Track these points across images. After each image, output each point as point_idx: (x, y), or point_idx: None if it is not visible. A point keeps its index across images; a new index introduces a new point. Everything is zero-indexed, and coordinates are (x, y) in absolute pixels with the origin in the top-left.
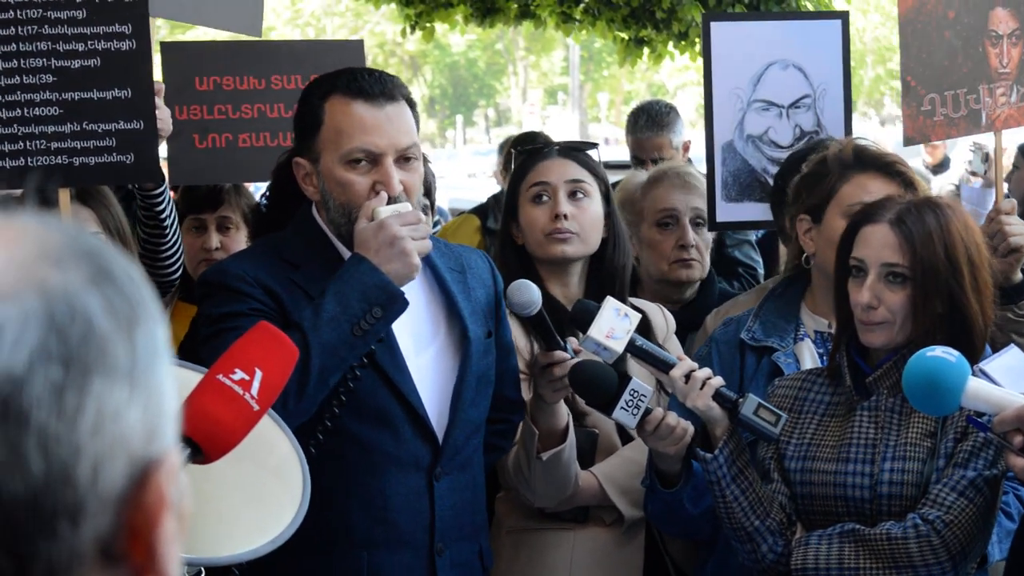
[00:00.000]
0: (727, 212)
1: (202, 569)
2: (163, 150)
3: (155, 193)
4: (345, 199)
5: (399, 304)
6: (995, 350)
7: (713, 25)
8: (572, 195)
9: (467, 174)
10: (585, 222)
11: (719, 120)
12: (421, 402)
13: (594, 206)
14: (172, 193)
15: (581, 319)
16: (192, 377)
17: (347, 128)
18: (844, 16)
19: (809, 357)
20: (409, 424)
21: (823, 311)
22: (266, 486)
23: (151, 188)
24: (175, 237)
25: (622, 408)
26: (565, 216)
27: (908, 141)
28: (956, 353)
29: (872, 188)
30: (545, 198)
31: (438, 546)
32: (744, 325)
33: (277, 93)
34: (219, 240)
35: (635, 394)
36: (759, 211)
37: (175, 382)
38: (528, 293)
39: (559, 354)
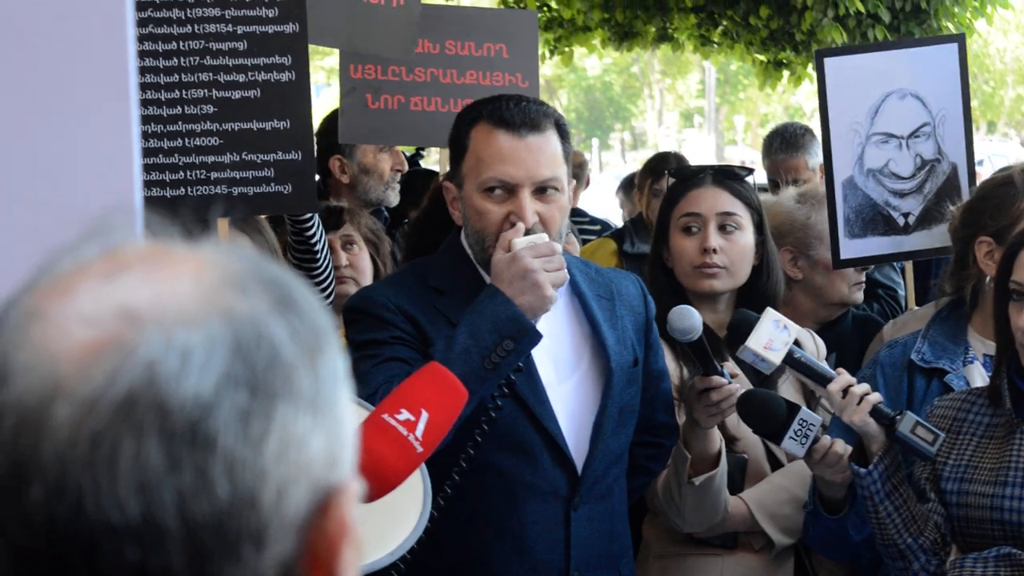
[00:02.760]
0: (851, 249)
1: None
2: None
3: (305, 218)
4: (480, 226)
5: (531, 337)
6: None
7: (827, 61)
8: (722, 228)
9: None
10: (735, 255)
11: (838, 156)
12: (561, 432)
13: (745, 238)
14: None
15: (740, 329)
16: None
17: (486, 157)
18: (960, 38)
19: (979, 379)
20: (548, 453)
21: (987, 334)
22: (389, 497)
23: (300, 214)
24: (326, 261)
25: (791, 438)
26: (715, 250)
27: None
28: None
29: None
30: (695, 229)
31: (574, 575)
32: (912, 347)
33: (450, 58)
34: (346, 258)
35: (804, 423)
36: (883, 245)
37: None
38: (690, 319)
39: (717, 379)
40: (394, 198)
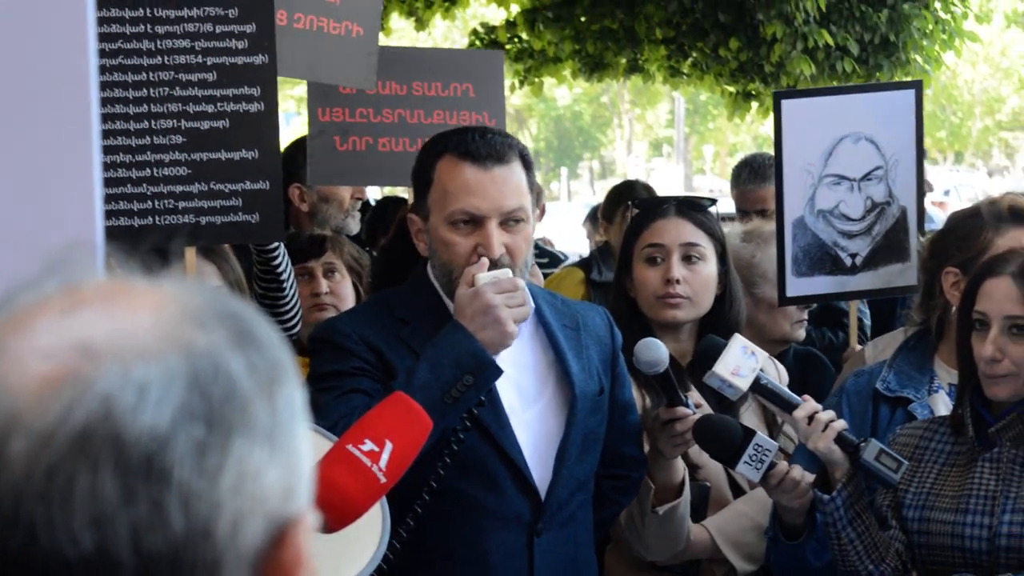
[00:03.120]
0: (797, 287)
1: None
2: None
3: (271, 248)
4: (447, 258)
5: (491, 372)
6: None
7: (784, 103)
8: (686, 258)
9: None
10: (698, 286)
11: (790, 196)
12: (524, 459)
13: (708, 269)
14: None
15: (708, 355)
16: (315, 439)
17: (452, 189)
18: (917, 85)
19: (944, 408)
20: (511, 481)
21: (953, 363)
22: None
23: (266, 245)
24: (292, 291)
25: (746, 462)
26: (678, 281)
27: None
28: None
29: None
30: (659, 260)
31: None
32: (877, 376)
33: (417, 99)
34: (327, 285)
35: (759, 448)
36: (829, 284)
37: (311, 443)
38: (656, 352)
39: (681, 410)
40: (354, 226)
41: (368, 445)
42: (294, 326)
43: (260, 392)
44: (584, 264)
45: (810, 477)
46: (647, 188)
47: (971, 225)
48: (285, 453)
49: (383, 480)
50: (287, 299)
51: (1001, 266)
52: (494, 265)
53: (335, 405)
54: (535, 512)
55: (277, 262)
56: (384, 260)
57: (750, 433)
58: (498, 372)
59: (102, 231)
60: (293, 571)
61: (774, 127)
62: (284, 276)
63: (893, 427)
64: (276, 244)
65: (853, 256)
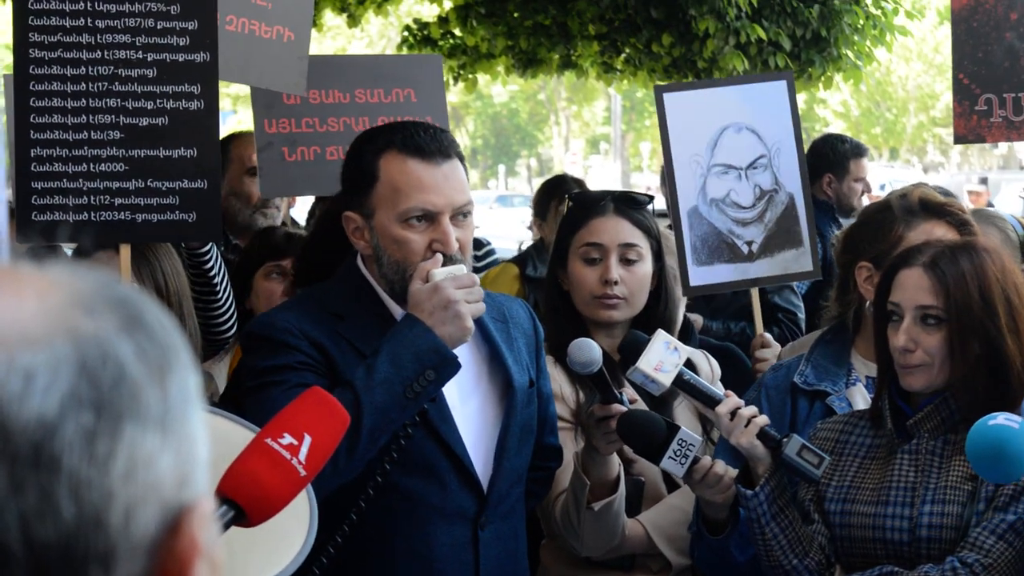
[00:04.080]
0: (699, 276)
1: None
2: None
3: (202, 252)
4: (401, 256)
5: (451, 367)
6: None
7: (666, 96)
8: (624, 259)
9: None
10: (634, 286)
11: (682, 187)
12: (467, 452)
13: (644, 268)
14: (241, 241)
15: (631, 351)
16: (228, 427)
17: (404, 186)
18: (788, 75)
19: (862, 401)
20: (455, 475)
21: (870, 356)
22: (276, 520)
23: (196, 247)
24: (226, 294)
25: (670, 457)
26: (616, 282)
27: (959, 140)
28: (1018, 419)
29: (937, 234)
30: (597, 259)
31: None
32: (795, 370)
33: (361, 106)
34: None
35: (683, 443)
36: (730, 272)
37: (208, 429)
38: (590, 352)
39: (616, 407)
40: (263, 222)
41: (287, 439)
42: (228, 328)
43: (151, 378)
44: (519, 260)
45: (733, 472)
46: (578, 183)
47: (882, 219)
48: (178, 439)
49: (303, 473)
50: (220, 301)
51: (914, 257)
52: (447, 260)
53: (283, 400)
54: (478, 506)
55: (209, 265)
56: (309, 255)
57: (674, 428)
58: (457, 367)
59: (5, 222)
60: (190, 559)
61: (659, 120)
62: (216, 279)
63: (812, 420)
64: (208, 247)
65: (749, 243)
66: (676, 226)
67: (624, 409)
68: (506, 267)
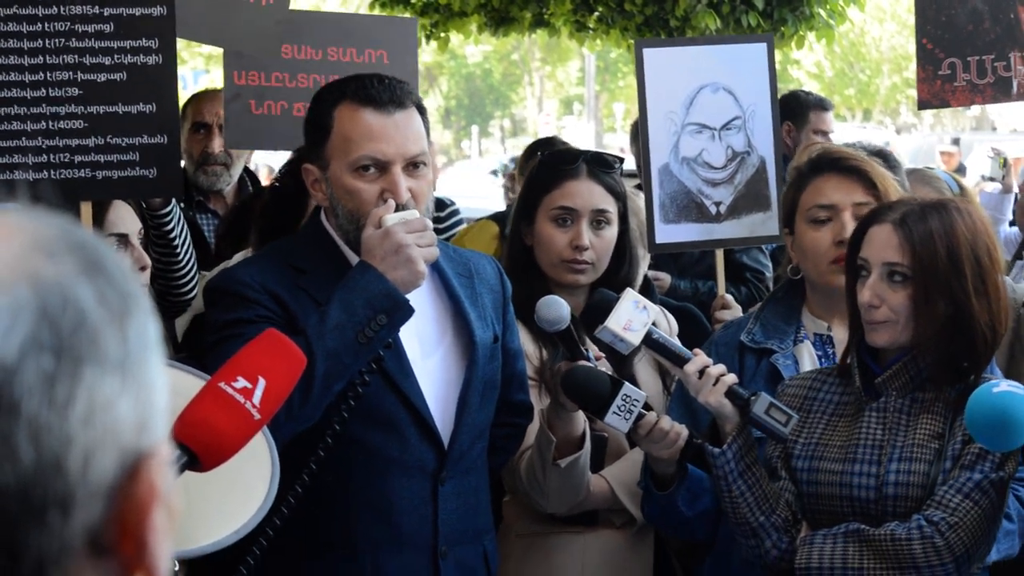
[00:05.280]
0: (665, 234)
1: (175, 562)
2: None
3: (163, 213)
4: (353, 206)
5: (404, 311)
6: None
7: (646, 51)
8: (595, 223)
9: (491, 182)
10: (602, 250)
11: (655, 143)
12: (427, 407)
13: (612, 232)
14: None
15: (599, 309)
16: (187, 380)
17: (355, 136)
18: (768, 39)
19: (808, 359)
20: (415, 429)
21: (821, 314)
22: (236, 473)
23: (159, 208)
24: (187, 257)
25: (614, 413)
26: (586, 248)
27: (923, 105)
28: (1021, 386)
29: (827, 190)
30: (568, 222)
31: (442, 549)
32: (744, 327)
33: (332, 64)
34: None
35: (627, 399)
36: (697, 231)
37: (167, 378)
38: (558, 310)
39: (582, 364)
40: (206, 181)
41: (241, 382)
42: (188, 291)
43: (111, 322)
44: (499, 218)
45: (680, 428)
46: (563, 145)
47: (788, 183)
48: (137, 385)
49: (257, 417)
50: (181, 264)
51: (884, 214)
52: (399, 209)
53: None
54: (438, 461)
55: (170, 227)
56: (270, 211)
57: (618, 384)
58: (410, 311)
59: None
60: (148, 505)
61: (636, 75)
62: (177, 241)
63: (758, 378)
64: (169, 209)
65: (717, 204)
66: (646, 182)
67: (591, 367)
68: (486, 225)
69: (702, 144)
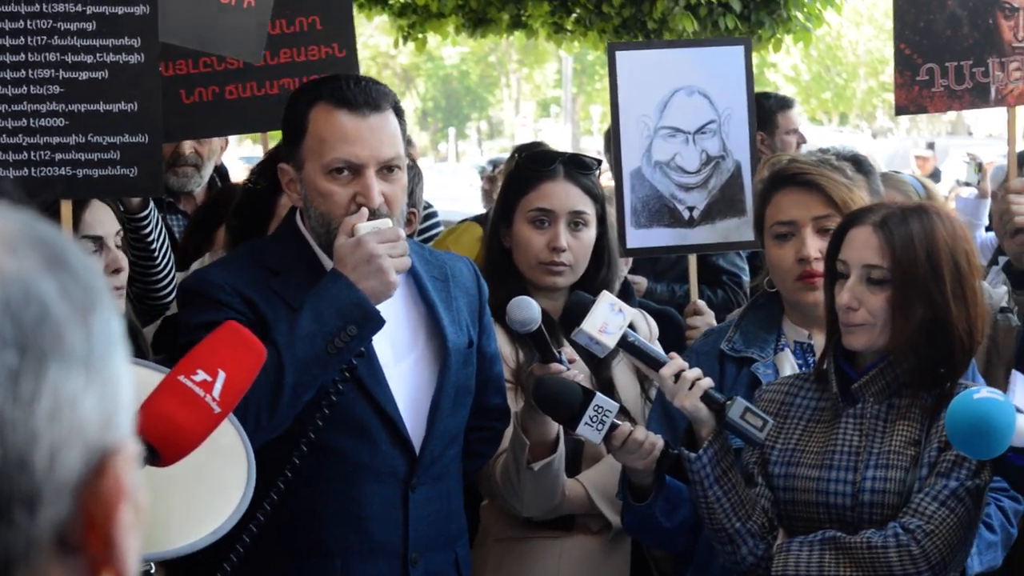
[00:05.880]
0: (637, 238)
1: (152, 564)
2: None
3: (140, 217)
4: (325, 209)
5: (374, 323)
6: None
7: (619, 54)
8: (572, 225)
9: (468, 185)
10: (580, 253)
11: (627, 147)
12: (399, 412)
13: (590, 234)
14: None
15: (575, 312)
16: (152, 377)
17: (329, 138)
18: (746, 42)
19: (789, 368)
20: (386, 434)
21: (801, 322)
22: (213, 475)
23: (136, 211)
24: (165, 260)
25: (586, 424)
26: (564, 250)
27: (901, 111)
28: (1000, 392)
29: (785, 206)
30: (545, 223)
31: (412, 556)
32: (724, 335)
33: None
34: None
35: (600, 409)
36: (669, 236)
37: (142, 378)
38: (529, 311)
39: (555, 367)
40: (176, 183)
41: (200, 375)
42: (168, 294)
43: (74, 318)
44: (482, 220)
45: (656, 438)
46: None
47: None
48: (102, 380)
49: (217, 410)
50: (158, 268)
51: (864, 216)
52: (373, 215)
53: None
54: (410, 466)
55: (147, 230)
56: (242, 213)
57: (590, 394)
58: (381, 322)
59: None
60: (114, 501)
61: (609, 78)
62: (154, 245)
63: (739, 387)
64: (147, 212)
65: (691, 209)
66: (617, 187)
67: (564, 368)
68: (470, 227)
69: (676, 148)
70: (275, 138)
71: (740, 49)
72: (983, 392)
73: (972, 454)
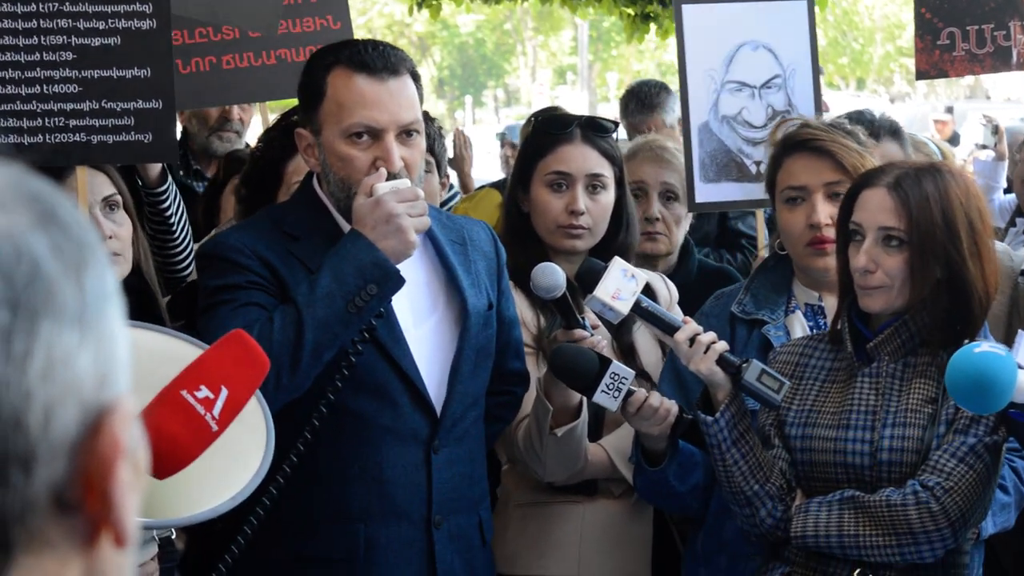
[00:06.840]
0: (706, 193)
1: (172, 531)
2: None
3: (159, 191)
4: (345, 173)
5: (394, 281)
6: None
7: (685, 8)
8: (590, 187)
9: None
10: (599, 215)
11: (694, 101)
12: (420, 375)
13: (608, 196)
14: (203, 167)
15: (588, 279)
16: (150, 338)
17: (348, 102)
18: None
19: (800, 329)
20: (407, 397)
21: (811, 284)
22: (231, 441)
23: (155, 185)
24: (183, 234)
25: (603, 391)
26: (582, 212)
27: (921, 75)
28: (1003, 347)
29: (796, 171)
30: (563, 187)
31: (436, 519)
32: (735, 298)
33: None
34: None
35: (616, 377)
36: (737, 191)
37: (127, 329)
38: (554, 277)
39: (579, 332)
40: (220, 146)
41: (203, 392)
42: (188, 267)
43: (67, 274)
44: (501, 186)
45: (670, 404)
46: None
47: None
48: (96, 337)
49: (215, 429)
50: (177, 241)
51: (877, 178)
52: (392, 178)
53: (232, 318)
54: (431, 429)
55: (165, 204)
56: (255, 177)
57: (606, 362)
58: (401, 281)
59: None
60: (112, 460)
61: (676, 33)
62: (173, 219)
63: (749, 349)
64: (165, 187)
65: (757, 164)
66: (686, 141)
67: (587, 335)
68: (489, 192)
69: (742, 102)
70: (273, 108)
71: (803, 4)
72: (984, 346)
73: (971, 408)
